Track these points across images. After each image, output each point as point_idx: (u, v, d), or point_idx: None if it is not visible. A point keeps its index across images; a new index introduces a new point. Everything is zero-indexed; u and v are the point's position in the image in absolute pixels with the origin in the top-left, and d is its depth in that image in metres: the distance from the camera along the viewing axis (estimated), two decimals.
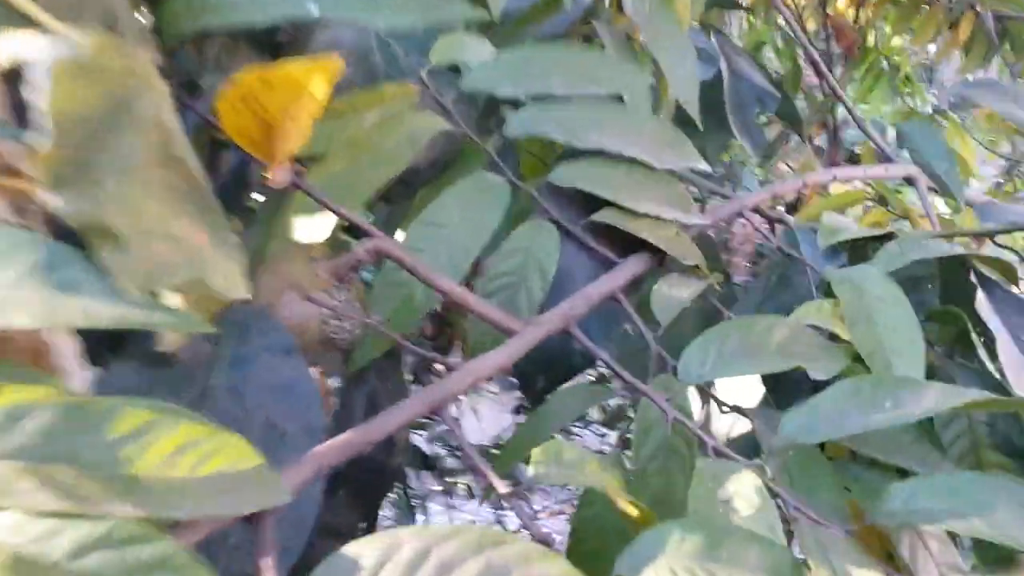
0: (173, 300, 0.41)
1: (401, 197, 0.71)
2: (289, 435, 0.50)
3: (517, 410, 2.23)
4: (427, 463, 1.67)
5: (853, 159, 1.85)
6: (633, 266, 0.67)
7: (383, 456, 0.68)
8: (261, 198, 0.74)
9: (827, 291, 0.69)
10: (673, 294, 0.65)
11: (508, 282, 0.65)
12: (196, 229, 0.39)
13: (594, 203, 0.69)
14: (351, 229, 0.80)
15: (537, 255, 0.65)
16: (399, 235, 0.70)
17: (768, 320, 0.62)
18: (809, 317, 0.64)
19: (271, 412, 0.50)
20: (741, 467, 0.50)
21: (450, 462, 1.97)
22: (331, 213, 0.60)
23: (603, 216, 0.67)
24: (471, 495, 2.27)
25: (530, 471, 0.47)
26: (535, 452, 0.48)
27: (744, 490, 0.47)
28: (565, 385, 0.70)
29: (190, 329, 0.43)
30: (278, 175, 0.52)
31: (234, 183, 0.97)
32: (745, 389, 0.68)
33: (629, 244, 0.68)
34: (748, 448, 0.62)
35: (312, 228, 0.61)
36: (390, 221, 0.79)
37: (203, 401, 0.50)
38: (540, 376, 0.68)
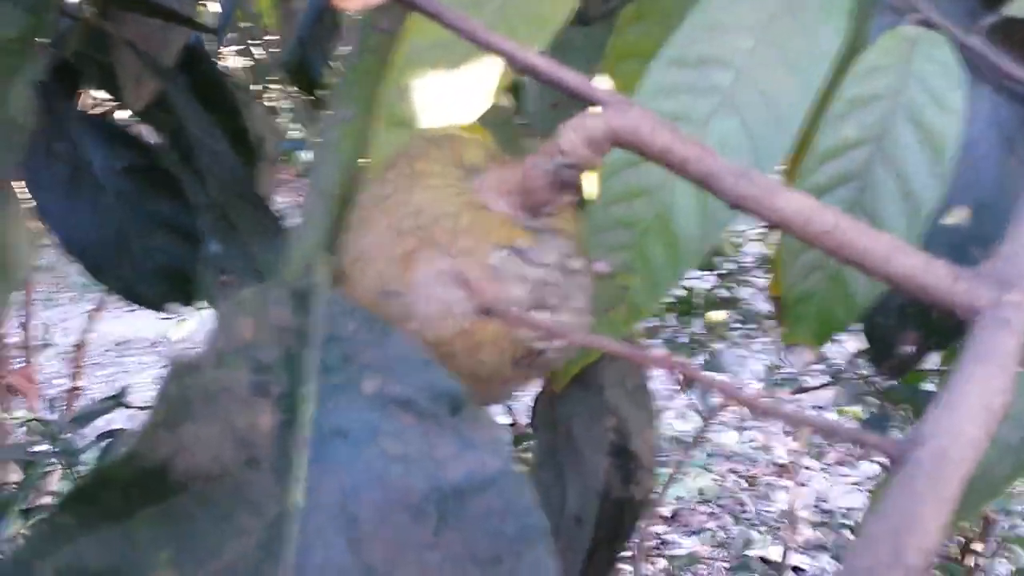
0: None
1: (596, 10, 0.38)
2: None
3: None
4: None
5: None
6: None
7: (619, 485, 0.38)
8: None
9: None
10: None
11: (852, 166, 0.31)
12: None
13: None
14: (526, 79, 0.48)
15: (913, 102, 0.31)
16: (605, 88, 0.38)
17: None
18: None
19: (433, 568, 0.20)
20: None
21: None
22: (490, 55, 0.28)
23: None
24: None
25: None
26: None
27: None
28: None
29: None
30: None
31: (313, 33, 0.65)
32: None
33: None
34: None
35: (454, 94, 0.29)
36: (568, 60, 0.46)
37: (268, 558, 0.21)
38: (904, 334, 0.36)
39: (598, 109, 0.25)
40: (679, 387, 1.53)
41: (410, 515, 0.21)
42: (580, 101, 0.26)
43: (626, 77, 0.37)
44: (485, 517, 0.21)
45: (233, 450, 0.22)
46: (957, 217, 0.34)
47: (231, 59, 1.26)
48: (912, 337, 0.36)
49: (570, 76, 0.25)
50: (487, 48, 0.25)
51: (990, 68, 0.34)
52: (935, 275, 0.22)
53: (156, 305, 0.50)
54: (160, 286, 0.49)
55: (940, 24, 0.33)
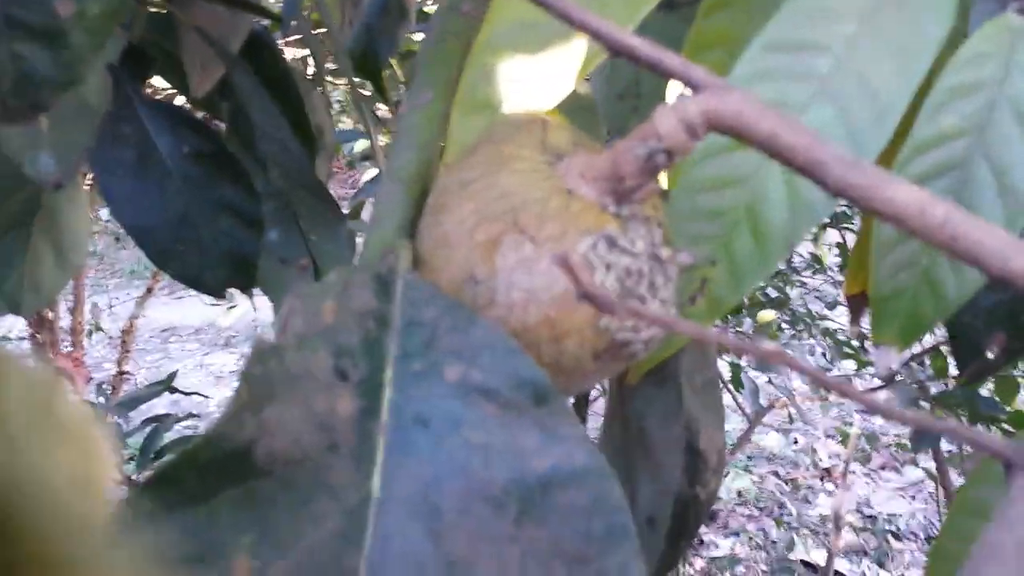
0: None
1: None
2: None
3: None
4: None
5: None
6: None
7: (687, 485, 0.37)
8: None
9: None
10: None
11: (953, 155, 0.30)
12: None
13: None
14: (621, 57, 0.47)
15: (1016, 94, 0.30)
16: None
17: None
18: None
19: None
20: None
21: None
22: (579, 36, 0.27)
23: None
24: None
25: None
26: None
27: None
28: None
29: None
30: None
31: (380, 20, 0.65)
32: None
33: None
34: None
35: (537, 78, 0.29)
36: None
37: (347, 545, 0.20)
38: (991, 334, 0.34)
39: (673, 100, 0.24)
40: (724, 386, 1.51)
41: (491, 507, 0.21)
42: (656, 92, 0.25)
43: (754, 64, 0.36)
44: (571, 513, 0.21)
45: (314, 434, 0.21)
46: None
47: (287, 47, 1.27)
48: (1000, 339, 0.34)
49: (670, 58, 0.24)
50: (580, 28, 0.25)
51: None
52: None
53: (217, 291, 0.50)
54: (223, 272, 0.49)
55: None
